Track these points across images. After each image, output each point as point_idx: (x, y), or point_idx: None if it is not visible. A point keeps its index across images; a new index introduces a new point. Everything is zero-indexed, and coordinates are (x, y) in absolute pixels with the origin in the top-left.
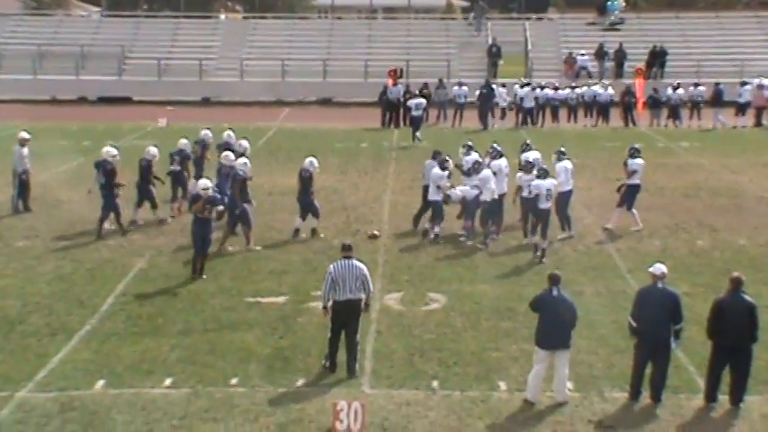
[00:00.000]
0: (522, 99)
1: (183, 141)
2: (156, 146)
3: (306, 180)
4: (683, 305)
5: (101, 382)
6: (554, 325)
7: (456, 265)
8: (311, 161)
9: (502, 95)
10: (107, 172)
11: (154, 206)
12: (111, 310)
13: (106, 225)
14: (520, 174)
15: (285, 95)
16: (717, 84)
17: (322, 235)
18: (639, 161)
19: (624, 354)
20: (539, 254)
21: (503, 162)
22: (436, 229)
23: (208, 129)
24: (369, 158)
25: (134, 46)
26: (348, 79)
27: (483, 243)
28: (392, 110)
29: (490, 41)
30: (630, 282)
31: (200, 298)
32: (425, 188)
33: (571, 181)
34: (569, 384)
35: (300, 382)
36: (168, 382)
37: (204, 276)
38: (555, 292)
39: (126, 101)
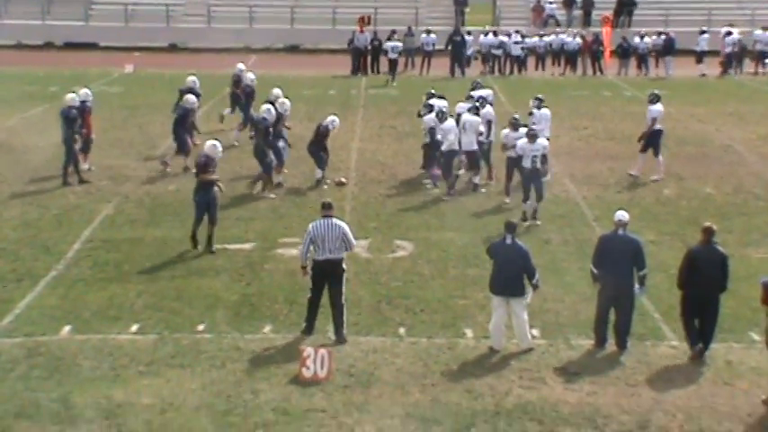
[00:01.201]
0: (510, 47)
1: (191, 78)
2: (195, 94)
3: (321, 134)
4: (648, 252)
5: (67, 328)
6: (506, 272)
7: (423, 212)
8: (332, 119)
9: (468, 44)
10: (68, 120)
11: (183, 153)
12: (78, 256)
13: (86, 165)
14: (506, 131)
15: (253, 42)
16: (667, 33)
17: (326, 184)
18: (658, 107)
19: (590, 301)
20: (528, 216)
21: (489, 110)
22: (476, 179)
23: (242, 63)
24: (337, 106)
25: None
26: (316, 26)
27: (447, 194)
28: (360, 57)
29: None
30: (597, 230)
31: (167, 244)
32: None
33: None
34: (535, 332)
35: (267, 329)
36: (135, 328)
37: (214, 250)
38: (508, 240)
39: (92, 47)
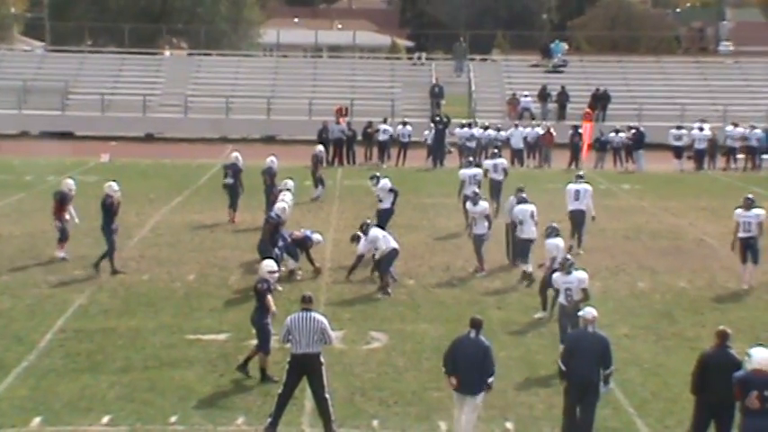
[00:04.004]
0: (508, 139)
1: (235, 155)
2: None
3: (273, 227)
4: (622, 346)
5: (37, 420)
6: (465, 368)
7: (398, 304)
8: (282, 207)
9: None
10: (104, 208)
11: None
12: (50, 346)
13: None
14: (557, 275)
15: (229, 132)
16: (637, 128)
17: (299, 276)
18: (745, 212)
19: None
20: None
21: (485, 204)
22: (530, 268)
23: (273, 155)
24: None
25: (78, 81)
26: (292, 117)
27: (384, 292)
28: (336, 147)
29: (434, 81)
30: None
31: (140, 335)
32: (508, 225)
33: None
34: (509, 425)
35: (240, 420)
36: (106, 419)
37: (276, 379)
38: (472, 335)
39: (69, 136)
